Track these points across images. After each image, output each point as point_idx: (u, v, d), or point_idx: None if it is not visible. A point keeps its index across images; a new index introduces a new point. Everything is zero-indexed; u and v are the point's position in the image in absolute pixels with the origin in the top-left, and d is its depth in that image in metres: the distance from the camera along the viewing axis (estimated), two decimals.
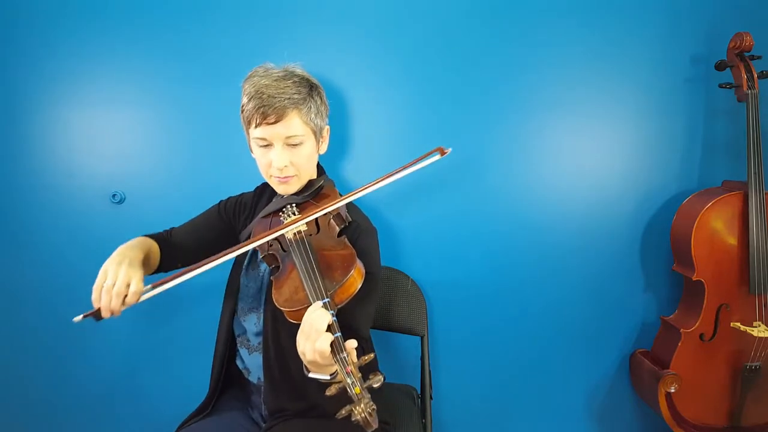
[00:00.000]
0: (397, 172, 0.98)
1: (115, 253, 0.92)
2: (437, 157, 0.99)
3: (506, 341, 1.50)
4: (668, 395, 1.35)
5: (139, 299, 0.86)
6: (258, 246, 0.97)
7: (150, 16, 1.35)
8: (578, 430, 1.57)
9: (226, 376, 1.11)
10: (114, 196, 1.39)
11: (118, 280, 0.84)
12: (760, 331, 1.28)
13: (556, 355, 1.52)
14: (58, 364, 1.47)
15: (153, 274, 1.08)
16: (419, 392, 1.33)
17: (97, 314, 0.85)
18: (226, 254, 0.91)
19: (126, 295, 0.85)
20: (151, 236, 1.09)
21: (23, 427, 1.50)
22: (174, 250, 1.10)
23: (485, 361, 1.51)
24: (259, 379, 1.05)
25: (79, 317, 0.83)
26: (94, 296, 0.85)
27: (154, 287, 0.87)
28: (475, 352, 1.51)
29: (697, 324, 1.34)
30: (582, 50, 1.40)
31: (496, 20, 1.39)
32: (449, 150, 1.00)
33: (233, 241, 1.09)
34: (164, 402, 1.49)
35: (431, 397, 1.30)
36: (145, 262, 0.98)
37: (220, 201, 1.18)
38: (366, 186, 0.97)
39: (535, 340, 1.51)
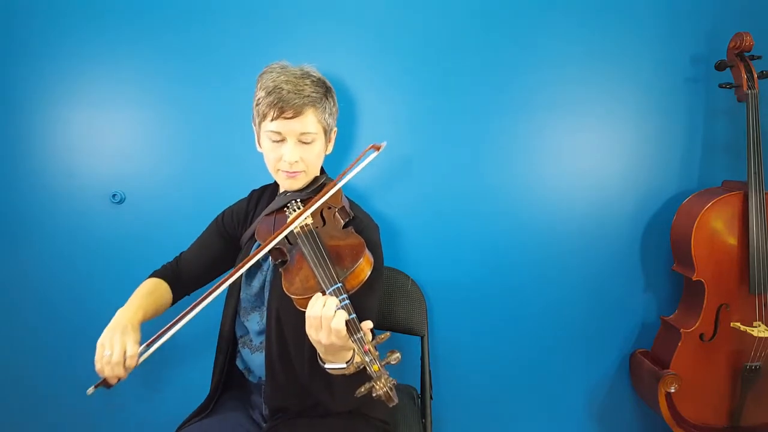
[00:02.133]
0: (339, 179, 0.98)
1: (111, 322, 0.94)
2: (374, 154, 1.00)
3: (506, 341, 1.50)
4: (668, 395, 1.35)
5: (137, 362, 0.88)
6: (261, 240, 0.97)
7: (150, 16, 1.35)
8: (578, 430, 1.57)
9: (227, 377, 1.11)
10: (114, 196, 1.39)
11: (114, 350, 0.87)
12: (760, 331, 1.28)
13: (556, 355, 1.52)
14: (58, 364, 1.47)
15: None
16: (419, 392, 1.33)
17: (105, 384, 0.88)
18: (244, 265, 0.91)
19: (126, 361, 0.87)
20: (160, 273, 1.11)
21: (23, 427, 1.50)
22: (185, 279, 1.13)
23: (485, 361, 1.51)
24: (260, 378, 1.05)
25: (91, 389, 0.87)
26: (97, 367, 0.88)
27: (148, 346, 0.89)
28: (475, 352, 1.51)
29: (697, 324, 1.34)
30: (582, 50, 1.40)
31: (497, 21, 1.39)
32: (383, 144, 1.00)
33: (239, 252, 1.11)
34: (164, 402, 1.49)
35: (431, 397, 1.30)
36: (149, 314, 1.01)
37: (217, 217, 1.17)
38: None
39: (535, 340, 1.51)
